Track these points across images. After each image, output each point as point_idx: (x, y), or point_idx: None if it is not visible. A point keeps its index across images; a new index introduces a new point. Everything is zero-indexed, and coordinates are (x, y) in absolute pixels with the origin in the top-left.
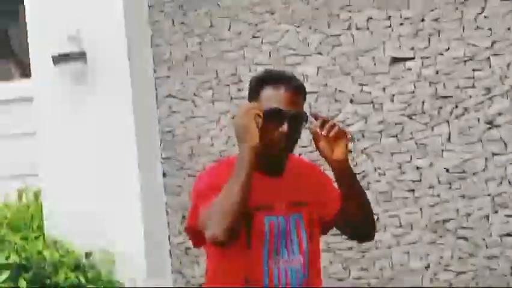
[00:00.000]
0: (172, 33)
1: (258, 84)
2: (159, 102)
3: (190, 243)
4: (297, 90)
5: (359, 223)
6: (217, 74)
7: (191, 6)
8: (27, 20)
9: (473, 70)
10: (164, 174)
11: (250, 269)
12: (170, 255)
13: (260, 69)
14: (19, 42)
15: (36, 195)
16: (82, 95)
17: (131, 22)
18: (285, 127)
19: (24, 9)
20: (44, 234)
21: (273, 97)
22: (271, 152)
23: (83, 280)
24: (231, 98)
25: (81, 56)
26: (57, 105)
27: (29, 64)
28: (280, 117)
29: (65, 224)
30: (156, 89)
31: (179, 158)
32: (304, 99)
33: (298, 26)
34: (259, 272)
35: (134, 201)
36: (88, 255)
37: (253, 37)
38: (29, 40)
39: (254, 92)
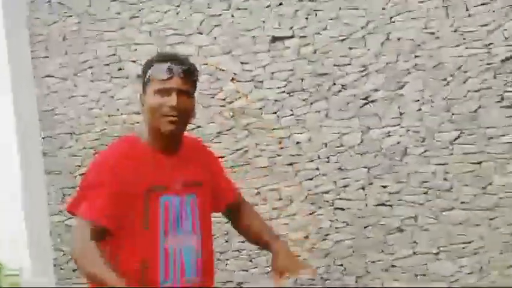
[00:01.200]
0: (49, 13)
1: (147, 65)
2: (38, 82)
3: (70, 221)
4: (183, 64)
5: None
6: (96, 53)
7: None
8: None
9: (350, 48)
10: (44, 153)
11: (147, 249)
12: (51, 234)
13: (140, 49)
14: None
15: None
16: None
17: (7, 1)
18: (174, 100)
19: None
20: None
21: (161, 74)
22: (165, 130)
23: None
24: (111, 77)
25: None
26: None
27: None
28: (168, 92)
29: None
30: (34, 70)
31: (59, 137)
32: (195, 79)
33: (178, 6)
34: (156, 252)
35: (14, 180)
36: None
37: (133, 17)
38: None
39: (143, 74)
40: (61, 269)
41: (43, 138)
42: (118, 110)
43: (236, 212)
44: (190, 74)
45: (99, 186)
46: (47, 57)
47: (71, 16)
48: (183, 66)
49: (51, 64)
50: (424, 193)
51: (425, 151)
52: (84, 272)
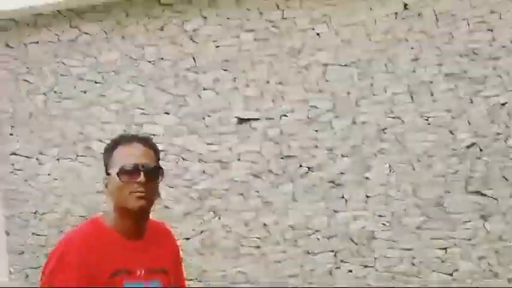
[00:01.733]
0: (16, 90)
1: (111, 147)
2: (2, 160)
3: None
4: (147, 144)
5: None
6: (61, 133)
7: (36, 64)
8: None
9: (316, 131)
10: (7, 233)
11: None
12: None
13: (108, 128)
14: None
15: None
16: None
17: None
18: (142, 177)
19: None
20: None
21: (126, 152)
22: (134, 207)
23: None
24: (77, 156)
25: None
26: None
27: None
28: (136, 170)
29: None
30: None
31: (22, 216)
32: (158, 157)
33: (144, 86)
34: None
35: None
36: None
37: (101, 96)
38: None
39: (108, 156)
40: None
41: (6, 217)
42: (83, 190)
43: None
44: (153, 153)
45: (66, 271)
46: (12, 135)
47: (37, 94)
48: (148, 145)
49: (17, 142)
50: (391, 278)
51: (392, 236)
52: None
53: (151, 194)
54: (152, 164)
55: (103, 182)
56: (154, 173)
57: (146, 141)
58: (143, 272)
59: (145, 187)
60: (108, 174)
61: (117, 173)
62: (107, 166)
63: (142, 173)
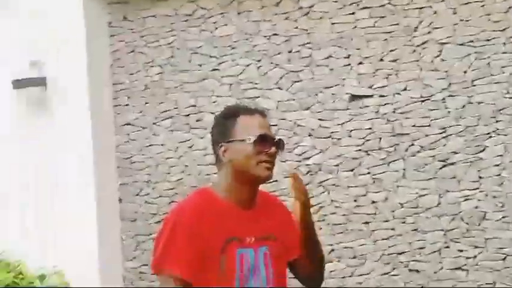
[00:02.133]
0: (132, 63)
1: (231, 115)
2: (117, 130)
3: (143, 269)
4: (266, 117)
5: (313, 268)
6: (177, 104)
7: (152, 37)
8: None
9: (429, 110)
10: (120, 200)
11: None
12: (124, 279)
13: (220, 101)
14: None
15: None
16: (41, 119)
17: (92, 51)
18: (273, 148)
19: None
20: None
21: (256, 124)
22: (262, 176)
23: None
24: (190, 128)
25: (41, 81)
26: (15, 129)
27: None
28: (270, 142)
29: (22, 248)
30: (115, 117)
31: (136, 184)
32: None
33: (258, 61)
34: None
35: (91, 226)
36: (41, 278)
37: (214, 69)
38: None
39: (229, 124)
40: None
41: (120, 185)
42: (194, 160)
43: (299, 266)
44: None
45: (178, 243)
46: (128, 105)
47: (153, 66)
48: (266, 118)
49: (132, 113)
50: (502, 259)
51: (504, 217)
52: None
53: (274, 165)
54: (277, 136)
55: (217, 148)
56: (280, 145)
57: (265, 114)
58: (253, 239)
59: (272, 158)
60: (230, 141)
61: (254, 141)
62: (227, 133)
63: (273, 144)
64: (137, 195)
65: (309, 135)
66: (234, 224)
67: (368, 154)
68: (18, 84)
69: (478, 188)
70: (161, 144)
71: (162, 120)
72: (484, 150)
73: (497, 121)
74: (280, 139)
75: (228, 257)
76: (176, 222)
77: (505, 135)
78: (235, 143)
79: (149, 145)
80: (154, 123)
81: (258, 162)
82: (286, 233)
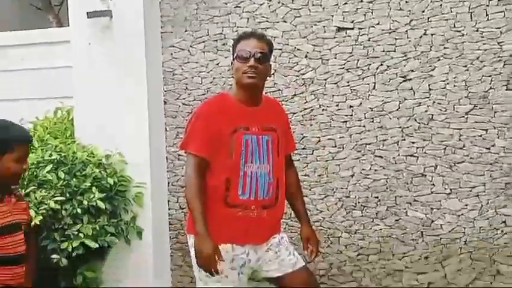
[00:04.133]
0: (176, 0)
1: (237, 40)
2: (164, 50)
3: (181, 152)
4: (262, 39)
5: None
6: (208, 32)
7: None
8: None
9: (395, 39)
10: (165, 102)
11: (231, 171)
12: (167, 159)
13: (240, 31)
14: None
15: (69, 112)
16: (108, 41)
17: None
18: (252, 61)
19: None
20: (75, 141)
21: (244, 44)
22: (245, 82)
23: (104, 174)
24: (217, 50)
25: (108, 12)
26: (89, 48)
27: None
28: (248, 57)
29: (91, 135)
30: (162, 41)
31: (177, 91)
32: (270, 49)
33: (270, 1)
34: (237, 174)
35: (143, 120)
36: (107, 157)
37: (237, 7)
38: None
39: (234, 46)
40: (172, 185)
41: (165, 91)
42: (220, 74)
43: (285, 164)
44: (265, 45)
45: (199, 130)
46: (172, 32)
47: (191, 3)
48: (260, 38)
49: (175, 38)
50: (443, 149)
51: (446, 118)
52: (186, 197)
53: (259, 74)
54: (262, 51)
55: (231, 65)
56: (261, 59)
57: (261, 37)
58: (257, 128)
59: (255, 69)
60: (233, 59)
61: (236, 57)
62: (233, 54)
63: (252, 59)
64: (177, 99)
65: (305, 57)
66: (241, 117)
67: (348, 71)
68: (91, 14)
69: (427, 97)
70: (196, 62)
71: (197, 44)
72: (434, 69)
73: (444, 47)
74: (260, 53)
75: (235, 140)
76: (198, 114)
77: (450, 58)
78: (234, 60)
79: (187, 62)
80: (191, 46)
81: (242, 73)
82: (284, 129)
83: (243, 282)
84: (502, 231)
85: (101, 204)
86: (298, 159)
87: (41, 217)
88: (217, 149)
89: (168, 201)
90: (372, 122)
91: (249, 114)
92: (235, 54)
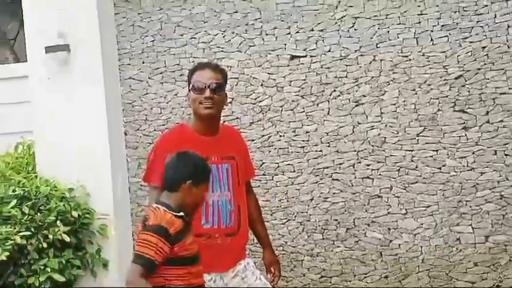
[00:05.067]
0: (132, 33)
1: (192, 71)
2: (122, 82)
3: (143, 183)
4: (216, 70)
5: None
6: (165, 63)
7: (146, 14)
8: (24, 19)
9: (346, 65)
10: (125, 133)
11: None
12: (129, 190)
13: (197, 61)
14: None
15: (29, 147)
16: (66, 74)
17: (103, 25)
18: (207, 93)
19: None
20: (37, 176)
21: (199, 75)
22: (202, 114)
23: (68, 207)
24: (175, 81)
25: (66, 47)
26: (47, 82)
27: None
28: (204, 88)
29: (53, 169)
30: (120, 73)
31: (136, 122)
32: (225, 79)
33: (224, 31)
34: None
35: (104, 152)
36: (70, 190)
37: (192, 38)
38: (26, 34)
39: (190, 77)
40: (136, 216)
41: (125, 122)
42: (179, 104)
43: (245, 191)
44: (220, 75)
45: (159, 163)
46: (129, 64)
47: (147, 36)
48: (215, 69)
49: (133, 70)
50: (397, 171)
51: (398, 140)
52: None
53: (216, 104)
54: (217, 82)
55: (188, 96)
56: (217, 89)
57: (216, 67)
58: (216, 157)
59: (211, 99)
60: (189, 90)
61: (191, 88)
62: (189, 84)
63: (208, 89)
64: (137, 130)
65: (261, 85)
66: (200, 147)
67: (303, 97)
68: (49, 49)
69: (380, 121)
70: (154, 93)
71: (155, 75)
72: (384, 94)
73: (393, 72)
74: (216, 83)
75: None
76: (156, 147)
77: (399, 83)
78: (189, 91)
79: (146, 93)
80: (149, 78)
81: (199, 103)
82: (243, 156)
83: None
84: (456, 248)
85: (67, 238)
86: (259, 185)
87: (7, 253)
88: None
89: (132, 232)
90: (329, 146)
91: (207, 144)
92: (191, 85)
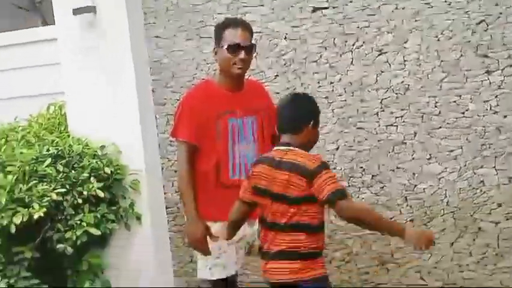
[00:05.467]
0: None
1: (222, 28)
2: (149, 40)
3: (172, 138)
4: (247, 29)
5: None
6: (189, 21)
7: None
8: None
9: (368, 15)
10: (153, 91)
11: (220, 154)
12: (159, 146)
13: (219, 18)
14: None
15: (61, 108)
16: (93, 35)
17: None
18: (242, 54)
19: None
20: (69, 135)
21: (232, 34)
22: (234, 73)
23: (101, 164)
24: (200, 37)
25: (93, 8)
26: (75, 43)
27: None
28: (239, 48)
29: (84, 128)
30: (146, 31)
31: (164, 79)
32: (252, 36)
33: None
34: (226, 156)
35: (133, 110)
36: (102, 147)
37: None
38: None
39: (219, 34)
40: (166, 170)
41: (153, 80)
42: (204, 60)
43: (273, 142)
44: (251, 35)
45: (186, 118)
46: (155, 23)
47: None
48: (247, 29)
49: (158, 28)
50: (420, 117)
51: (422, 87)
52: (178, 183)
53: (247, 65)
54: (251, 43)
55: (214, 51)
56: (250, 50)
57: (247, 26)
58: (241, 112)
59: (243, 61)
60: (218, 46)
61: (226, 48)
62: (217, 40)
63: (242, 51)
64: (165, 87)
65: (284, 38)
66: (225, 102)
67: (326, 49)
68: (76, 11)
69: (403, 69)
70: (180, 50)
71: (180, 32)
72: (406, 42)
73: (416, 20)
74: (252, 45)
75: (221, 125)
76: (183, 103)
77: (421, 30)
78: (220, 48)
79: (172, 51)
80: (174, 35)
81: (233, 64)
82: (268, 111)
83: (240, 257)
84: (480, 190)
85: (101, 193)
86: None
87: (44, 209)
88: (205, 135)
89: (164, 185)
90: (352, 95)
91: (233, 99)
92: (225, 44)
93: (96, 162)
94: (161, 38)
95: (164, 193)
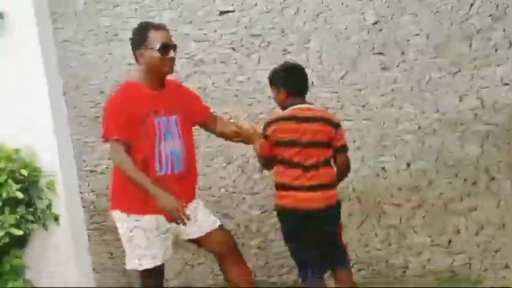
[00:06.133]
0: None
1: (144, 30)
2: (58, 44)
3: (86, 139)
4: (168, 30)
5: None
6: (98, 25)
7: None
8: None
9: (273, 18)
10: (64, 93)
11: (148, 151)
12: (73, 147)
13: (128, 21)
14: None
15: None
16: (2, 40)
17: None
18: (172, 53)
19: None
20: None
21: (160, 36)
22: (165, 72)
23: (17, 167)
24: (109, 41)
25: (0, 14)
26: None
27: None
28: (169, 48)
29: None
30: (55, 36)
31: (74, 81)
32: None
33: None
34: (153, 151)
35: (46, 113)
36: (17, 151)
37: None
38: None
39: (142, 36)
40: (81, 171)
41: (63, 83)
42: (116, 62)
43: (213, 124)
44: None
45: (113, 117)
46: (63, 27)
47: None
48: (168, 30)
49: (67, 32)
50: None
51: (324, 83)
52: (127, 174)
53: (174, 63)
54: (174, 43)
55: (136, 52)
56: (175, 49)
57: (166, 28)
58: (165, 110)
59: (172, 59)
60: (148, 48)
61: (158, 49)
62: (143, 42)
63: (171, 51)
64: (75, 90)
65: (194, 41)
66: (150, 101)
67: (234, 50)
68: None
69: (307, 67)
70: (90, 54)
71: (89, 36)
72: (309, 42)
73: (316, 22)
74: (175, 45)
75: (148, 124)
76: (109, 104)
77: (322, 31)
78: (148, 49)
79: (82, 54)
80: (82, 40)
81: (163, 64)
82: (189, 104)
83: (168, 247)
84: (382, 176)
85: (20, 195)
86: (199, 134)
87: None
88: (133, 133)
89: (79, 185)
90: (261, 94)
91: (156, 98)
92: (148, 44)
93: (13, 165)
94: (71, 42)
95: (81, 193)
